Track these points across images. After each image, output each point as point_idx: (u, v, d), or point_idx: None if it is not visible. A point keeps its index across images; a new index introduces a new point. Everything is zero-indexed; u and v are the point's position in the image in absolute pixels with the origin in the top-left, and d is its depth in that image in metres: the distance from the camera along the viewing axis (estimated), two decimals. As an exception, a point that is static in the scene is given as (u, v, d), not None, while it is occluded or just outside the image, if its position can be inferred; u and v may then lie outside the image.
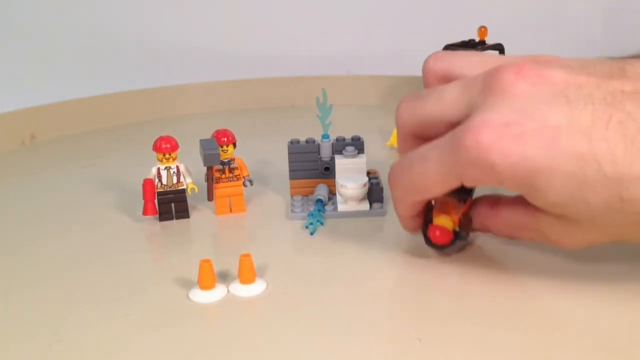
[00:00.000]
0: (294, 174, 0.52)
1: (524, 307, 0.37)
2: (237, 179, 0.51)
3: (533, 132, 0.34)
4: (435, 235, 0.40)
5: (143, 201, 0.49)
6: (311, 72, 0.83)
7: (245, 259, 0.39)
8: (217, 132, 0.51)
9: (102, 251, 0.46)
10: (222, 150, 0.50)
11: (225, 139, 0.50)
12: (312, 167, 0.52)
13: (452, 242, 0.40)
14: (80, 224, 0.51)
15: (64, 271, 0.43)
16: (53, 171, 0.64)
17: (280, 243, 0.47)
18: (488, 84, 0.37)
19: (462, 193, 0.40)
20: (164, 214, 0.50)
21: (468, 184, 0.37)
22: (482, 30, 0.61)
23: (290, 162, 0.52)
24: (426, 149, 0.38)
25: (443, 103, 0.39)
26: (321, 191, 0.51)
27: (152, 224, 0.50)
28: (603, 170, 0.33)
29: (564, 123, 0.34)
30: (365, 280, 0.40)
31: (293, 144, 0.52)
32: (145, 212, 0.49)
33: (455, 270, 0.41)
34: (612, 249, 0.40)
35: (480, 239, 0.46)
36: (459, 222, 0.40)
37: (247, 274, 0.40)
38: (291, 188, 0.52)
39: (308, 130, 0.55)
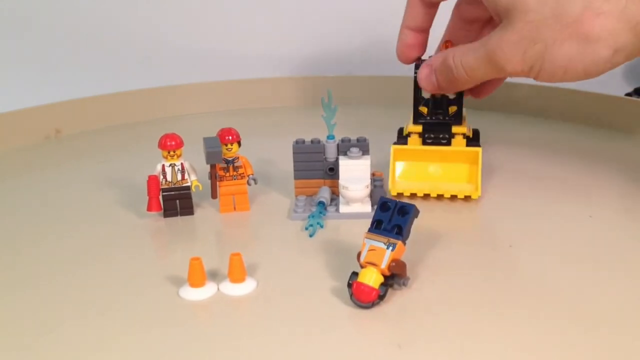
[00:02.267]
0: (299, 174, 0.52)
1: (507, 314, 0.37)
2: (242, 178, 0.51)
3: None
4: (359, 291, 0.37)
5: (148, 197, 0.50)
6: (311, 72, 0.83)
7: (235, 258, 0.40)
8: (222, 130, 0.51)
9: (105, 247, 0.47)
10: (227, 149, 0.50)
11: (230, 138, 0.50)
12: (316, 167, 0.52)
13: (379, 297, 0.37)
14: (86, 219, 0.52)
15: (64, 267, 0.44)
16: (67, 167, 0.66)
17: (279, 243, 0.47)
18: None
19: (393, 236, 0.38)
20: (169, 211, 0.51)
21: None
22: (447, 45, 0.56)
23: (295, 162, 0.52)
24: None
25: None
26: (324, 193, 0.51)
27: (156, 220, 0.51)
28: None
29: None
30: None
31: (298, 144, 0.52)
32: (149, 209, 0.50)
33: (445, 278, 0.41)
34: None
35: (473, 246, 0.45)
36: (389, 269, 0.37)
37: (236, 273, 0.40)
38: (295, 188, 0.52)
39: (312, 130, 0.55)
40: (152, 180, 0.50)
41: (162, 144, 0.50)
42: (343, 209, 0.49)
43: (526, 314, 0.37)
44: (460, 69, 0.49)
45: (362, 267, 0.38)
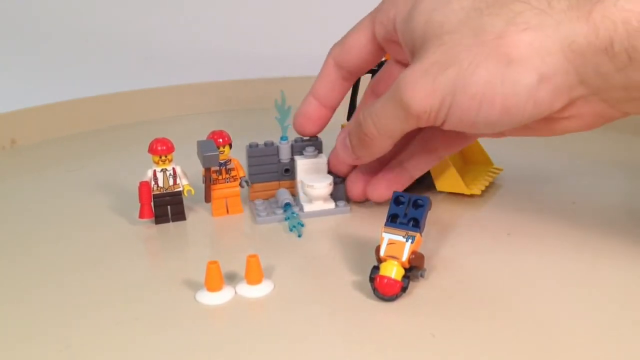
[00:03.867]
0: (254, 177, 0.52)
1: (534, 301, 0.38)
2: (234, 180, 0.51)
3: None
4: (383, 284, 0.38)
5: (139, 204, 0.49)
6: (312, 72, 0.83)
7: (252, 259, 0.39)
8: (213, 133, 0.50)
9: (101, 256, 0.45)
10: (219, 152, 0.50)
11: (221, 140, 0.50)
12: (272, 169, 0.52)
13: (402, 290, 0.38)
14: (74, 229, 0.50)
15: (64, 277, 0.43)
16: (39, 176, 0.63)
17: (281, 243, 0.47)
18: None
19: (411, 229, 0.39)
20: (160, 217, 0.50)
21: (378, 27, 0.44)
22: None
23: (249, 165, 0.52)
24: None
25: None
26: (285, 195, 0.51)
27: (148, 227, 0.49)
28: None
29: None
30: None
31: (252, 147, 0.52)
32: (141, 216, 0.49)
33: (467, 264, 0.42)
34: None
35: (482, 237, 0.47)
36: (409, 261, 0.38)
37: (254, 275, 0.39)
38: (252, 192, 0.52)
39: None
40: (144, 186, 0.49)
41: (153, 149, 0.49)
42: (307, 207, 0.50)
43: (544, 297, 0.38)
44: (367, 120, 0.42)
45: (381, 261, 0.39)
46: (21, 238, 0.49)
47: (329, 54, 0.48)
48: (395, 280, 0.38)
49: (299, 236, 0.47)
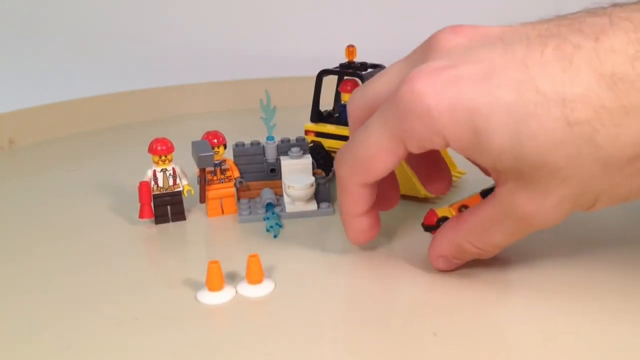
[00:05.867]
0: (240, 176, 0.52)
1: (534, 301, 0.38)
2: (229, 180, 0.51)
3: (468, 73, 0.34)
4: (427, 214, 0.43)
5: (139, 204, 0.49)
6: (311, 72, 0.83)
7: (253, 259, 0.39)
8: (208, 133, 0.50)
9: (101, 256, 0.45)
10: (214, 152, 0.49)
11: (216, 141, 0.50)
12: (258, 169, 0.52)
13: (437, 224, 0.42)
14: (73, 229, 0.50)
15: (64, 277, 0.42)
16: (38, 176, 0.63)
17: (280, 243, 0.47)
18: (426, 46, 0.38)
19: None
20: (160, 217, 0.50)
21: (412, 146, 0.36)
22: (351, 50, 0.55)
23: (236, 165, 0.52)
24: (369, 119, 0.38)
25: (389, 76, 0.39)
26: (268, 195, 0.51)
27: (148, 227, 0.49)
28: (542, 91, 0.32)
29: (498, 58, 0.34)
30: (373, 275, 0.41)
31: (238, 147, 0.52)
32: (141, 216, 0.49)
33: (467, 264, 0.42)
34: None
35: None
36: (458, 210, 0.42)
37: (255, 274, 0.39)
38: (239, 191, 0.52)
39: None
40: (144, 186, 0.49)
41: (153, 149, 0.49)
42: (290, 208, 0.50)
43: (545, 297, 0.38)
44: (487, 251, 0.39)
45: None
46: (21, 238, 0.49)
47: (348, 177, 0.40)
48: (436, 215, 0.42)
49: (275, 236, 0.47)
